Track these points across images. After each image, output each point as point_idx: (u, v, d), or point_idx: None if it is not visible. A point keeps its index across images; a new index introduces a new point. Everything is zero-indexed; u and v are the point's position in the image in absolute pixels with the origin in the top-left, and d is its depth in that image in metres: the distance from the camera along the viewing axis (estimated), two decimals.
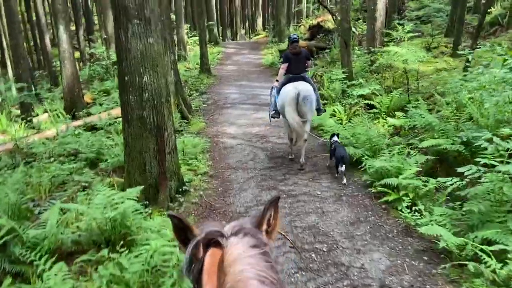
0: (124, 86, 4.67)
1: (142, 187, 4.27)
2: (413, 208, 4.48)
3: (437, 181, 4.57)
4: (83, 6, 25.04)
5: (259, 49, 22.84)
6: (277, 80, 6.76)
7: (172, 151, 5.12)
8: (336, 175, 5.92)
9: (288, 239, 4.19)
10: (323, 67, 13.41)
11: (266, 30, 31.63)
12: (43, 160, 6.59)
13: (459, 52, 10.86)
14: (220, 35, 29.12)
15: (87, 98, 13.40)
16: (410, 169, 4.92)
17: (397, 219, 4.50)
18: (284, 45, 18.65)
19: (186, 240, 0.95)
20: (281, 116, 6.60)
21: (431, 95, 8.94)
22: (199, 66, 15.26)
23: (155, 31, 4.70)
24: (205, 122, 9.38)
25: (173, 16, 19.78)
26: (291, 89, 6.02)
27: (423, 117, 6.61)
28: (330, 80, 10.35)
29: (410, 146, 6.11)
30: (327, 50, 14.38)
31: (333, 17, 15.78)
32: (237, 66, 17.82)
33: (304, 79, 6.42)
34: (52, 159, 6.46)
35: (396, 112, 8.24)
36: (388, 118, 8.02)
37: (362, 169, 5.74)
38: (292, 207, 4.96)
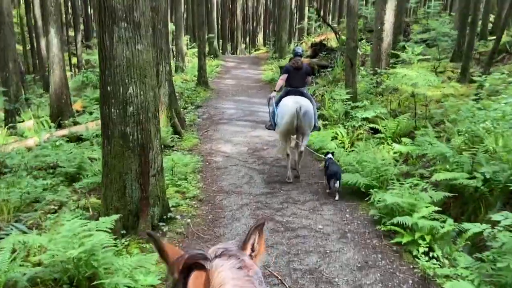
0: (106, 98, 4.09)
1: (118, 216, 3.66)
2: (430, 254, 3.90)
3: (457, 224, 4.00)
4: (83, 12, 24.67)
5: (259, 64, 22.46)
6: (274, 90, 6.76)
7: (157, 173, 4.52)
8: (327, 191, 5.81)
9: (286, 286, 3.58)
10: (324, 86, 12.95)
11: (267, 46, 31.41)
12: (18, 172, 5.97)
13: (474, 78, 10.46)
14: (220, 48, 28.78)
15: (77, 106, 12.82)
16: (426, 207, 4.35)
17: (412, 266, 3.91)
18: (284, 61, 18.28)
19: (169, 262, 0.89)
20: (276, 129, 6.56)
21: (439, 122, 8.46)
22: (196, 78, 14.76)
23: (145, 37, 4.16)
24: (199, 138, 8.80)
25: (172, 27, 19.44)
26: (291, 103, 5.95)
27: (435, 146, 6.09)
28: (333, 100, 9.85)
29: (419, 178, 5.56)
30: (329, 69, 13.95)
31: (336, 36, 15.43)
32: (236, 80, 17.36)
33: (302, 94, 6.41)
34: (25, 173, 5.83)
35: (402, 138, 7.73)
36: (394, 144, 7.49)
37: (369, 201, 5.17)
38: (291, 244, 4.36)
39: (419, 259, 3.85)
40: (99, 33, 4.03)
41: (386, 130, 7.95)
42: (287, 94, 6.37)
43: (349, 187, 5.68)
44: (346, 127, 8.52)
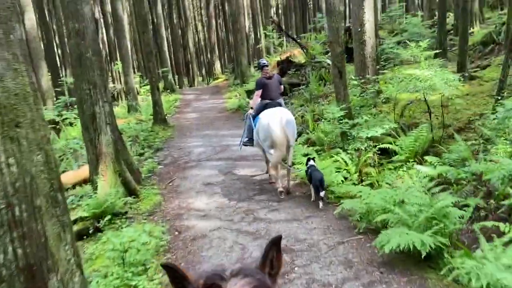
0: None
1: None
2: None
3: None
4: None
5: (221, 93, 20.68)
6: (251, 108, 6.67)
7: None
8: (312, 200, 5.62)
9: None
10: (302, 105, 11.23)
11: (225, 73, 29.86)
12: None
13: (475, 74, 9.05)
14: (177, 83, 26.84)
15: None
16: None
17: None
18: (250, 86, 16.62)
19: None
20: (256, 146, 6.55)
21: (460, 129, 6.83)
22: (152, 117, 12.67)
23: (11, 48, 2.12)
24: (162, 193, 6.67)
25: (119, 63, 17.39)
26: (272, 115, 5.79)
27: (486, 163, 4.36)
28: (323, 120, 8.07)
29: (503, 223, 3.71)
30: (302, 87, 12.30)
31: (303, 50, 13.92)
32: (199, 113, 15.40)
33: (280, 105, 6.33)
34: None
35: (425, 157, 5.98)
36: (418, 167, 5.70)
37: (441, 273, 3.26)
38: None
39: None
40: None
41: (402, 150, 6.20)
42: (265, 107, 6.21)
43: (402, 253, 3.71)
44: (348, 151, 6.70)
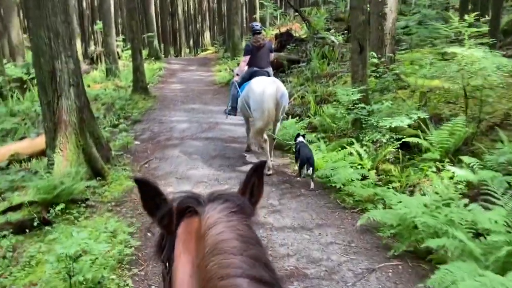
0: None
1: None
2: None
3: None
4: None
5: (210, 66, 19.22)
6: (237, 74, 6.27)
7: None
8: (299, 179, 5.25)
9: None
10: (302, 85, 10.03)
11: (215, 46, 28.22)
12: None
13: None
14: (162, 52, 25.10)
15: None
16: None
17: None
18: (241, 59, 15.24)
19: (156, 210, 0.80)
20: (239, 115, 6.41)
21: (494, 124, 5.79)
22: (132, 84, 11.25)
23: None
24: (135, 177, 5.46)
25: (99, 24, 15.69)
26: (267, 84, 5.36)
27: None
28: (333, 104, 6.93)
29: None
30: (303, 64, 11.06)
31: (305, 23, 12.62)
32: (185, 84, 14.00)
33: (269, 75, 5.99)
34: None
35: (459, 157, 4.92)
36: (452, 168, 4.64)
37: None
38: None
39: None
40: None
41: (432, 146, 5.11)
42: (252, 75, 5.81)
43: None
44: (364, 143, 5.58)
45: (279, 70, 11.62)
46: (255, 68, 5.92)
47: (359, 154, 5.44)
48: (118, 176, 5.26)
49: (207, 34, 30.34)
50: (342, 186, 4.65)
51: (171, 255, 0.75)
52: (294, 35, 12.64)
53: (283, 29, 13.22)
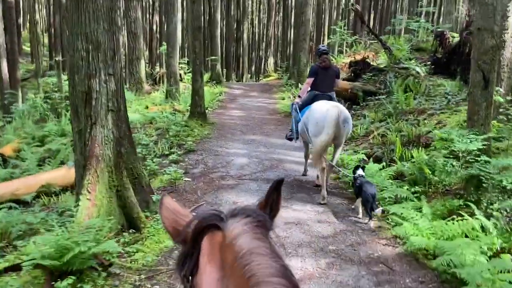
0: None
1: None
2: None
3: None
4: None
5: (272, 92, 18.22)
6: (299, 96, 6.14)
7: None
8: (366, 222, 4.54)
9: None
10: (382, 121, 8.53)
11: (278, 72, 27.43)
12: None
13: None
14: (224, 76, 24.72)
15: (7, 149, 8.45)
16: None
17: None
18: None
19: (177, 228, 0.82)
20: (299, 140, 6.11)
21: None
22: (189, 108, 10.39)
23: None
24: None
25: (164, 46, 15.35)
26: (330, 107, 5.12)
27: None
28: (429, 149, 5.39)
29: None
30: (382, 96, 9.56)
31: (386, 51, 11.17)
32: (245, 111, 12.99)
33: (331, 99, 5.68)
34: None
35: None
36: None
37: None
38: None
39: None
40: None
41: None
42: (314, 98, 5.60)
43: None
44: (490, 210, 3.98)
45: (353, 101, 10.22)
46: (317, 92, 5.68)
47: (482, 227, 3.86)
48: (157, 230, 4.10)
49: (270, 60, 29.71)
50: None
51: (193, 269, 0.73)
52: (371, 63, 11.20)
53: (359, 56, 11.83)
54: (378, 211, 4.49)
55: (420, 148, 6.55)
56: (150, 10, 32.16)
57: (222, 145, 8.43)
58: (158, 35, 28.98)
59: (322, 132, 5.07)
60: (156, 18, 29.14)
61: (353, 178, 5.07)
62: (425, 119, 7.63)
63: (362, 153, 6.74)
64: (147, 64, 27.28)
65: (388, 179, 5.66)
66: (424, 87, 9.38)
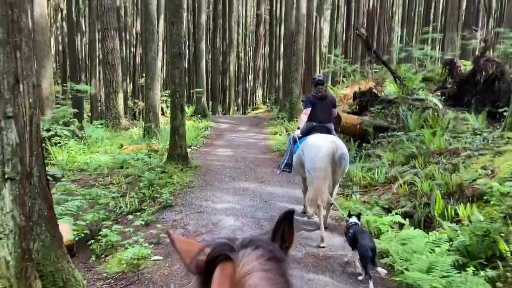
0: None
1: None
2: None
3: None
4: None
5: (262, 126, 16.76)
6: (298, 128, 5.74)
7: None
8: (360, 277, 3.90)
9: None
10: (405, 164, 6.97)
11: (267, 104, 26.13)
12: None
13: None
14: (210, 109, 23.22)
15: None
16: None
17: None
18: (296, 124, 12.53)
19: (190, 257, 0.81)
20: (293, 170, 5.79)
21: None
22: (168, 149, 8.71)
23: None
24: None
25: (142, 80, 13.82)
26: (325, 143, 4.88)
27: None
28: (484, 204, 3.81)
29: None
30: (399, 132, 8.06)
31: (396, 80, 9.80)
32: (234, 149, 11.34)
33: (329, 131, 5.43)
34: None
35: None
36: None
37: None
38: None
39: None
40: None
41: None
42: (310, 130, 5.39)
43: None
44: None
45: (362, 139, 8.71)
46: (314, 123, 5.45)
47: None
48: None
49: (259, 92, 28.49)
50: None
51: None
52: (379, 95, 9.79)
53: (365, 86, 10.44)
54: (382, 271, 3.81)
55: (468, 203, 4.99)
56: (134, 42, 30.93)
57: (207, 197, 6.71)
58: (140, 67, 27.62)
59: (317, 169, 4.82)
60: (140, 49, 27.88)
61: (346, 226, 4.40)
62: (463, 162, 6.08)
63: (396, 214, 5.11)
64: (131, 97, 25.70)
65: (441, 257, 4.01)
66: (447, 122, 7.93)
